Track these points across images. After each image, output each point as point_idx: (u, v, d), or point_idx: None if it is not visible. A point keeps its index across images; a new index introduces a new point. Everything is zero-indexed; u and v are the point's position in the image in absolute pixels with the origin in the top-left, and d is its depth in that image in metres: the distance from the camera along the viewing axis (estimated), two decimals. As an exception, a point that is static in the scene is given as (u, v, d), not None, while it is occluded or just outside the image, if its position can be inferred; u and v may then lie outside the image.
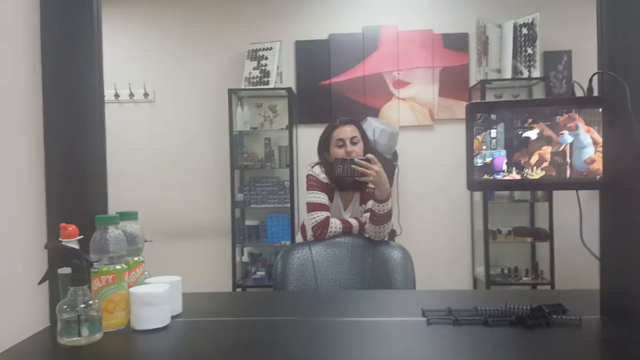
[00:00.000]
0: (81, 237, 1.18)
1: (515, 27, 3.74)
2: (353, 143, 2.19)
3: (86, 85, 1.30)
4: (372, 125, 3.68)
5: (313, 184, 2.19)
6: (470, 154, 1.08)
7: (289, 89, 3.95)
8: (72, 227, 1.18)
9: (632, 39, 1.12)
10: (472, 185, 1.10)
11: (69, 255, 1.13)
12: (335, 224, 2.11)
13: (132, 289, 1.15)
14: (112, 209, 1.32)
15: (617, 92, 1.08)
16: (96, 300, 1.08)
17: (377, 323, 1.18)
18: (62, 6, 1.28)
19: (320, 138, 2.30)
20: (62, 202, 1.26)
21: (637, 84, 1.08)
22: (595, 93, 1.13)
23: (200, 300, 1.42)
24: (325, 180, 2.20)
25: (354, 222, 2.15)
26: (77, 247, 1.16)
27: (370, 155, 2.00)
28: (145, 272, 1.29)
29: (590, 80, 1.10)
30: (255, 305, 1.47)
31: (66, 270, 1.14)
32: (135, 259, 1.24)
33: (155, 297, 1.13)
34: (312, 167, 2.25)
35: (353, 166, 1.97)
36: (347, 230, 2.12)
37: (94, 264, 1.14)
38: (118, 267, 1.15)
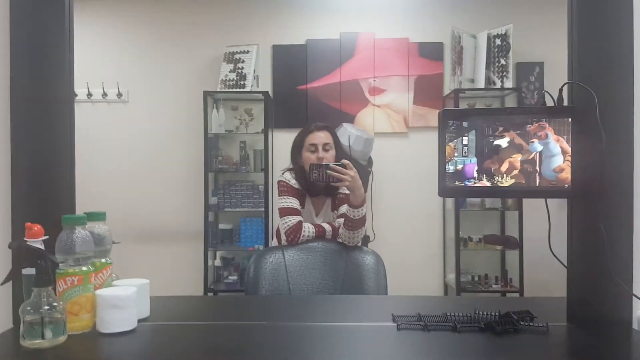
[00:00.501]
0: (47, 237, 1.15)
1: (489, 38, 3.81)
2: (325, 150, 2.19)
3: (55, 84, 1.27)
4: (347, 131, 3.70)
5: (284, 189, 2.19)
6: (442, 160, 1.09)
7: (265, 93, 3.94)
8: (37, 227, 1.15)
9: (601, 51, 1.15)
10: (444, 192, 1.11)
11: (34, 255, 1.10)
12: (308, 229, 2.11)
13: (98, 291, 1.13)
14: (83, 209, 1.29)
15: (586, 103, 1.10)
16: (61, 302, 1.05)
17: (347, 328, 1.18)
18: (33, 5, 1.25)
19: (293, 142, 2.30)
20: (28, 201, 1.23)
21: (606, 95, 1.11)
22: (565, 103, 1.16)
23: (169, 303, 1.40)
24: (296, 186, 2.19)
25: (327, 226, 2.15)
26: (42, 247, 1.13)
27: (345, 161, 2.01)
28: (113, 275, 1.26)
29: (560, 90, 1.13)
30: (225, 310, 1.46)
31: (30, 270, 1.11)
32: (103, 260, 1.22)
33: (122, 300, 1.10)
34: (283, 173, 2.25)
35: (329, 171, 1.97)
36: (320, 234, 2.12)
37: (60, 265, 1.11)
38: (84, 268, 1.13)
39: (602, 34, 1.15)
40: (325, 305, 1.46)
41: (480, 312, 1.16)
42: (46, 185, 1.25)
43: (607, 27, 1.15)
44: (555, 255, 1.19)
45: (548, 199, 1.15)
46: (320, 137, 2.20)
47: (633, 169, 1.13)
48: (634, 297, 1.12)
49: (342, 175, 1.96)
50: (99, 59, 4.16)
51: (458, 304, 1.43)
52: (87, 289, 1.13)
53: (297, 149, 2.25)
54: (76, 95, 4.08)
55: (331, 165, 1.99)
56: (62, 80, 1.26)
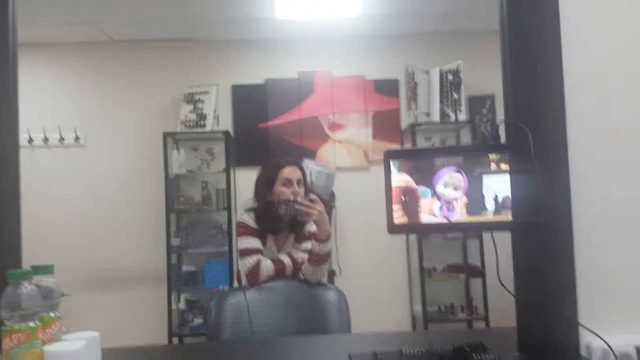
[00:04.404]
0: (-9, 293, 1.12)
1: (441, 74, 3.96)
2: (299, 185, 2.20)
3: None
4: (309, 167, 3.73)
5: (243, 230, 2.18)
6: (389, 199, 1.12)
7: (226, 132, 3.96)
8: (-19, 284, 1.11)
9: (534, 89, 1.21)
10: (393, 229, 1.13)
11: (-23, 314, 1.06)
12: (267, 266, 2.09)
13: (45, 347, 1.09)
14: (42, 258, 1.26)
15: (522, 140, 1.16)
16: (6, 362, 1.02)
17: (305, 370, 1.17)
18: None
19: (261, 176, 2.26)
20: (-28, 256, 1.19)
21: (540, 133, 1.17)
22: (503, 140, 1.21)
23: (124, 356, 1.37)
24: (255, 227, 2.18)
25: (286, 260, 2.13)
26: (-14, 304, 1.10)
27: (313, 196, 2.03)
28: (64, 328, 1.23)
29: (497, 128, 1.18)
30: (183, 359, 1.43)
31: (-26, 330, 1.07)
32: (52, 314, 1.18)
33: (70, 355, 1.07)
34: (242, 215, 2.24)
35: (297, 206, 1.99)
36: (280, 270, 2.10)
37: (5, 322, 1.08)
38: (31, 324, 1.09)
39: (533, 71, 1.22)
40: (286, 348, 1.45)
41: (435, 347, 1.18)
42: (-9, 239, 1.22)
43: (538, 65, 1.22)
44: (503, 285, 1.22)
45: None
46: (295, 172, 2.21)
47: (570, 202, 1.18)
48: (579, 325, 1.15)
49: (310, 210, 1.98)
50: (56, 103, 4.13)
51: (415, 339, 1.44)
52: (34, 346, 1.09)
53: (267, 183, 2.21)
54: (32, 140, 4.03)
55: (299, 200, 2.01)
56: (6, 129, 1.25)
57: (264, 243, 2.18)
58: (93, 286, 3.98)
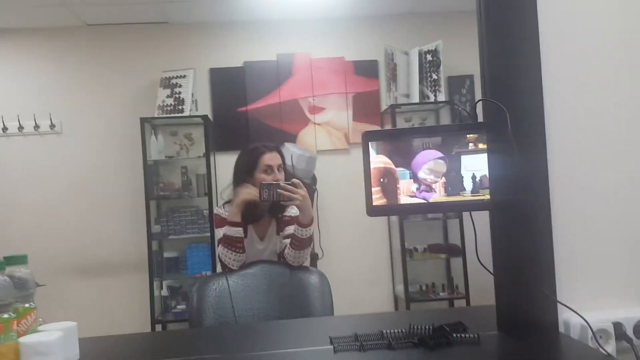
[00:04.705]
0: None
1: (420, 54, 3.94)
2: (279, 171, 2.18)
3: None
4: (289, 151, 3.71)
5: (218, 222, 2.18)
6: (368, 181, 1.11)
7: (204, 117, 3.91)
8: (-49, 276, 1.08)
9: (511, 67, 1.21)
10: (372, 211, 1.13)
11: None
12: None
13: (21, 339, 1.08)
14: (15, 248, 1.23)
15: (499, 119, 1.15)
16: (-21, 355, 1.00)
17: (287, 355, 1.17)
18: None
19: (239, 163, 2.24)
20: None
21: (517, 111, 1.17)
22: (481, 119, 1.21)
23: (103, 344, 1.35)
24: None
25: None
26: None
27: (296, 180, 2.02)
28: (40, 319, 1.21)
29: (474, 107, 1.18)
30: (165, 346, 1.42)
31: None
32: (26, 305, 1.16)
33: (47, 346, 1.06)
34: (217, 208, 2.22)
35: (279, 190, 1.97)
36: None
37: (-22, 314, 1.05)
38: (5, 316, 1.07)
39: (510, 49, 1.21)
40: (268, 332, 1.45)
41: (415, 327, 1.19)
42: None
43: (515, 42, 1.22)
44: (482, 264, 1.23)
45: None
46: (276, 157, 2.19)
47: (548, 180, 1.19)
48: (557, 302, 1.17)
49: (292, 195, 1.97)
50: (30, 91, 4.03)
51: (396, 320, 1.45)
52: (9, 337, 1.07)
53: (247, 170, 2.19)
54: (6, 129, 3.93)
55: (282, 184, 1.99)
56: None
57: (245, 233, 2.16)
58: (73, 275, 3.93)
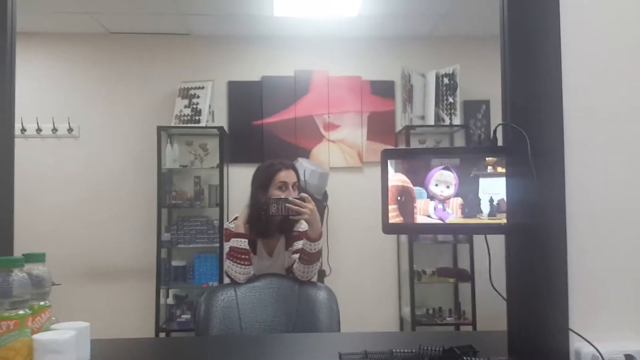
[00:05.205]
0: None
1: (437, 77, 3.97)
2: (294, 188, 2.19)
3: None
4: (303, 166, 3.73)
5: (228, 235, 2.17)
6: (385, 199, 1.12)
7: (220, 128, 3.95)
8: (-29, 270, 1.10)
9: (533, 93, 1.22)
10: (387, 229, 1.13)
11: (-34, 300, 1.05)
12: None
13: (35, 336, 1.09)
14: (31, 249, 1.25)
15: (519, 143, 1.16)
16: (-6, 349, 1.01)
17: (295, 367, 1.17)
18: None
19: (256, 178, 2.25)
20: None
21: (536, 137, 1.17)
22: (500, 143, 1.22)
23: (113, 347, 1.36)
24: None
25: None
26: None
27: (304, 195, 2.02)
28: (53, 318, 1.22)
29: (495, 131, 1.19)
30: (172, 352, 1.42)
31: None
32: (42, 303, 1.17)
33: (60, 345, 1.07)
34: (229, 222, 2.24)
35: (288, 205, 1.98)
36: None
37: (-5, 309, 1.07)
38: (21, 312, 1.08)
39: (533, 75, 1.23)
40: (275, 345, 1.45)
41: (425, 348, 1.18)
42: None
43: (538, 68, 1.23)
44: (495, 289, 1.23)
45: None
46: (291, 175, 2.20)
47: (565, 206, 1.19)
48: (570, 330, 1.16)
49: (301, 209, 1.97)
50: (50, 94, 4.10)
51: (405, 340, 1.45)
52: (23, 334, 1.08)
53: (262, 185, 2.20)
54: (25, 130, 3.99)
55: (290, 198, 2.00)
56: (1, 119, 1.24)
57: (253, 250, 2.17)
58: (83, 278, 3.95)
